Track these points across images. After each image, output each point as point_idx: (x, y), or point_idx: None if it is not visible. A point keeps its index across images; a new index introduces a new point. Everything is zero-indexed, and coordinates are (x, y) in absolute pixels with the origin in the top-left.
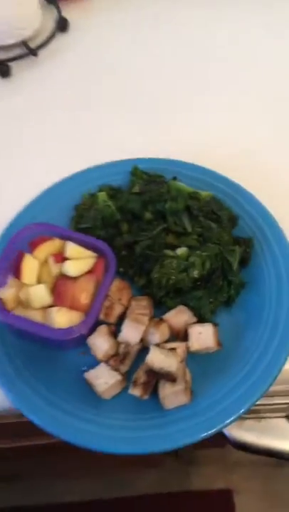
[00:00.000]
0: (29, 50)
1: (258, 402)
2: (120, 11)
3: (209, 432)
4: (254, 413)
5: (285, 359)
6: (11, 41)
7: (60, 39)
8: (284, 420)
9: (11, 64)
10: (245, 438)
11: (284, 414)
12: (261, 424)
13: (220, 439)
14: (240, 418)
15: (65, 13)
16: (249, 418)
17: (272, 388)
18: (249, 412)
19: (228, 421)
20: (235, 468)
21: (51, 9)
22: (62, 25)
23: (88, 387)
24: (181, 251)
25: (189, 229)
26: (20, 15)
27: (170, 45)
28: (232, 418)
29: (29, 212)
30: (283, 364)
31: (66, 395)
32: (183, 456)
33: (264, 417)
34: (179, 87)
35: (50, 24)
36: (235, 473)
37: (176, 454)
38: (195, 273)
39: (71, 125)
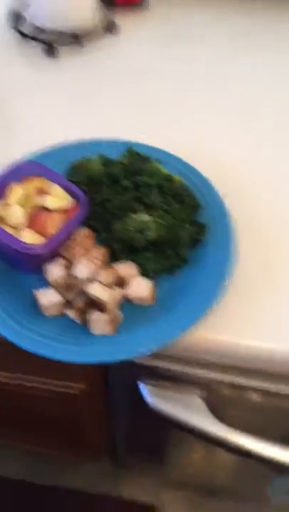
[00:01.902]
0: (78, 40)
1: (180, 377)
2: (166, 26)
3: (125, 357)
4: (174, 384)
5: (194, 320)
6: (64, 29)
7: (108, 39)
8: (199, 399)
9: (60, 49)
10: (160, 405)
11: (200, 394)
12: (178, 397)
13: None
14: (162, 387)
15: (117, 18)
16: (169, 389)
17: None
18: (168, 380)
19: (143, 351)
20: (167, 488)
21: (106, 12)
22: (112, 27)
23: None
24: (144, 216)
25: (156, 202)
26: (77, 10)
27: (201, 64)
28: (145, 350)
29: (36, 157)
30: (191, 323)
31: (19, 308)
32: (121, 461)
33: (182, 392)
34: (198, 100)
35: (102, 25)
36: (166, 493)
37: (115, 455)
38: (149, 235)
39: (94, 110)
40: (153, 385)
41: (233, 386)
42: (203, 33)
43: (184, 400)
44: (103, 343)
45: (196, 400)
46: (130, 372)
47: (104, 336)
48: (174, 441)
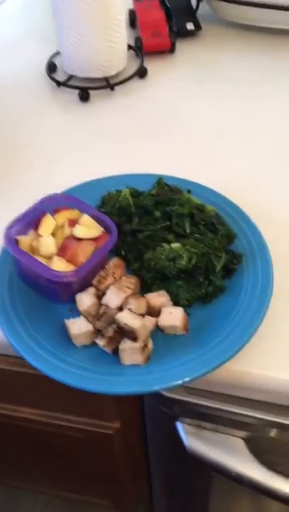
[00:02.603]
0: (109, 85)
1: (219, 416)
2: (194, 69)
3: (158, 387)
4: (213, 424)
5: (231, 355)
6: (96, 75)
7: (137, 83)
8: (241, 441)
9: (91, 92)
10: (197, 446)
11: (242, 435)
12: (217, 438)
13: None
14: (199, 427)
15: (146, 63)
16: (207, 429)
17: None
18: (208, 421)
19: (176, 382)
20: None
21: (136, 57)
22: (141, 72)
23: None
24: (175, 245)
25: (188, 231)
26: (110, 57)
27: (229, 108)
28: (179, 381)
29: (69, 191)
30: (229, 357)
31: (49, 337)
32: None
33: (222, 432)
34: (229, 136)
35: (132, 69)
36: None
37: (151, 503)
38: (181, 263)
39: (126, 149)
40: (191, 425)
41: (277, 426)
42: (230, 73)
43: (225, 441)
44: (133, 373)
45: (238, 442)
46: (167, 410)
47: (134, 366)
48: (216, 488)
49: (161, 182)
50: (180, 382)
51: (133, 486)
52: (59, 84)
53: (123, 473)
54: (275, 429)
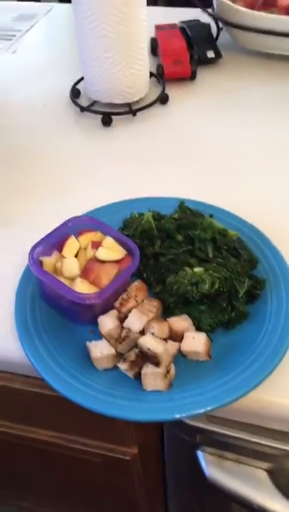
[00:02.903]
0: (131, 110)
1: (242, 446)
2: (214, 95)
3: (179, 415)
4: (235, 454)
5: (256, 384)
6: (119, 102)
7: (158, 108)
8: (264, 473)
9: (114, 117)
10: (219, 476)
11: (265, 466)
12: (239, 469)
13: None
14: (221, 457)
15: (168, 89)
16: (229, 459)
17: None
18: (230, 451)
19: (199, 411)
20: None
21: (157, 84)
22: (163, 98)
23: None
24: (198, 269)
25: (210, 255)
26: (133, 84)
27: (248, 133)
28: (201, 410)
29: (92, 213)
30: (254, 386)
31: (71, 359)
32: None
33: (244, 463)
34: (243, 166)
35: (154, 95)
36: None
37: None
38: (203, 288)
39: (147, 173)
40: (212, 454)
41: None
42: (250, 100)
43: (248, 472)
44: (155, 399)
45: (261, 474)
46: (188, 438)
47: (156, 392)
48: None
49: (183, 206)
50: (202, 411)
51: None
52: (82, 109)
53: (140, 500)
54: None
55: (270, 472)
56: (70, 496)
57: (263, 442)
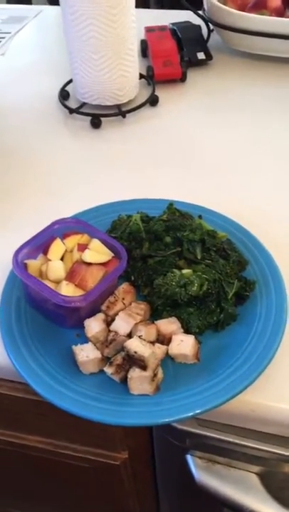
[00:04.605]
0: (120, 112)
1: (232, 450)
2: (205, 97)
3: (167, 420)
4: (225, 458)
5: (245, 386)
6: (108, 103)
7: (148, 110)
8: (255, 477)
9: (103, 119)
10: (209, 480)
11: (256, 470)
12: (230, 473)
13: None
14: (211, 461)
15: (158, 91)
16: (219, 463)
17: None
18: (220, 455)
19: (187, 414)
20: None
21: (147, 86)
22: (153, 100)
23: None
24: (186, 271)
25: (199, 257)
26: (122, 86)
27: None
28: (189, 414)
29: (80, 215)
30: (243, 389)
31: (56, 364)
32: None
33: (234, 467)
34: (233, 167)
35: (144, 97)
36: None
37: None
38: (192, 290)
39: (137, 176)
40: (202, 458)
41: None
42: (240, 101)
43: (238, 476)
44: (142, 404)
45: (251, 478)
46: (177, 443)
47: (143, 396)
48: None
49: (172, 207)
50: (191, 414)
51: None
52: (71, 111)
53: (130, 504)
54: None
55: (261, 476)
56: (60, 502)
57: (254, 445)
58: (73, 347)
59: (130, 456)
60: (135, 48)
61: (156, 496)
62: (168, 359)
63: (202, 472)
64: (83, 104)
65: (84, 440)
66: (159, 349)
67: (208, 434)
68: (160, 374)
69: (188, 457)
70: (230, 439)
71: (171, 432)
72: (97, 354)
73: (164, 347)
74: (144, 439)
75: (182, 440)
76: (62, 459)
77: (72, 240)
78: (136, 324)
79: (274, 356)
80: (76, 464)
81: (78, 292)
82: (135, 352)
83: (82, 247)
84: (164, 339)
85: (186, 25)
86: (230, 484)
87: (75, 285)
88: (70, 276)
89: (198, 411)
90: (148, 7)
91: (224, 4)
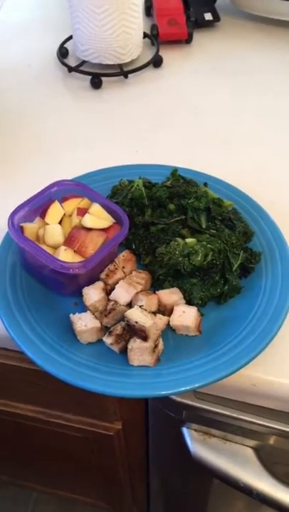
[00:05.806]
0: (122, 72)
1: (229, 423)
2: (210, 60)
3: (166, 392)
4: (222, 431)
5: (247, 361)
6: (110, 62)
7: (151, 72)
8: (251, 451)
9: (104, 79)
10: (204, 453)
11: (252, 444)
12: (225, 446)
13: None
14: (207, 434)
15: (162, 52)
16: (215, 436)
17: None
18: (216, 428)
19: (187, 387)
20: None
21: (151, 46)
22: (157, 61)
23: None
24: (190, 240)
25: (204, 226)
26: (125, 44)
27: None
28: (189, 387)
29: (79, 179)
30: (245, 363)
31: (53, 333)
32: None
33: (230, 441)
34: (239, 134)
35: (147, 57)
36: None
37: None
38: (196, 260)
39: (137, 139)
40: (198, 431)
41: None
42: (248, 66)
43: (234, 450)
44: (141, 375)
45: (247, 451)
46: (174, 415)
47: (143, 368)
48: (214, 493)
49: (176, 173)
50: (191, 387)
51: (130, 488)
52: (70, 69)
53: (122, 475)
54: (287, 440)
55: (257, 450)
56: (52, 470)
57: (251, 420)
58: (71, 316)
59: (124, 427)
60: (140, 3)
61: (146, 468)
62: (168, 330)
63: (198, 445)
64: (83, 63)
65: (77, 410)
66: (160, 320)
67: (205, 406)
68: (161, 345)
69: (184, 430)
70: (228, 413)
71: (167, 404)
72: (96, 323)
73: (165, 318)
74: (139, 411)
75: (179, 412)
76: (55, 428)
77: (72, 204)
78: (136, 294)
79: (277, 332)
80: (69, 434)
81: (77, 258)
82: (136, 322)
83: (82, 212)
84: (165, 310)
85: None
86: (225, 458)
87: (74, 251)
88: (69, 241)
89: (198, 384)
90: None
91: None
